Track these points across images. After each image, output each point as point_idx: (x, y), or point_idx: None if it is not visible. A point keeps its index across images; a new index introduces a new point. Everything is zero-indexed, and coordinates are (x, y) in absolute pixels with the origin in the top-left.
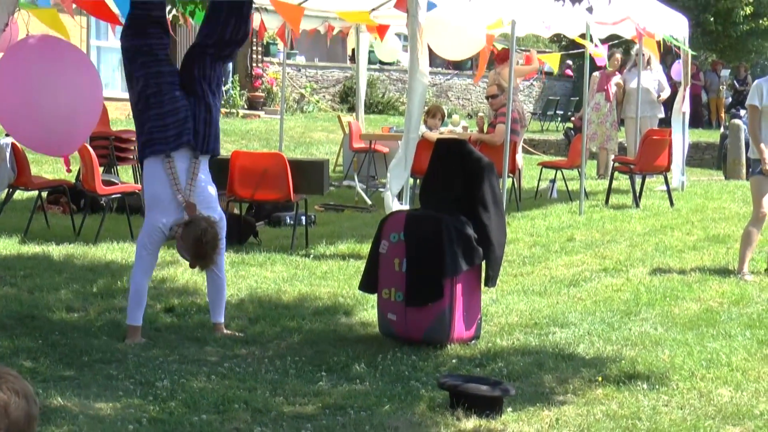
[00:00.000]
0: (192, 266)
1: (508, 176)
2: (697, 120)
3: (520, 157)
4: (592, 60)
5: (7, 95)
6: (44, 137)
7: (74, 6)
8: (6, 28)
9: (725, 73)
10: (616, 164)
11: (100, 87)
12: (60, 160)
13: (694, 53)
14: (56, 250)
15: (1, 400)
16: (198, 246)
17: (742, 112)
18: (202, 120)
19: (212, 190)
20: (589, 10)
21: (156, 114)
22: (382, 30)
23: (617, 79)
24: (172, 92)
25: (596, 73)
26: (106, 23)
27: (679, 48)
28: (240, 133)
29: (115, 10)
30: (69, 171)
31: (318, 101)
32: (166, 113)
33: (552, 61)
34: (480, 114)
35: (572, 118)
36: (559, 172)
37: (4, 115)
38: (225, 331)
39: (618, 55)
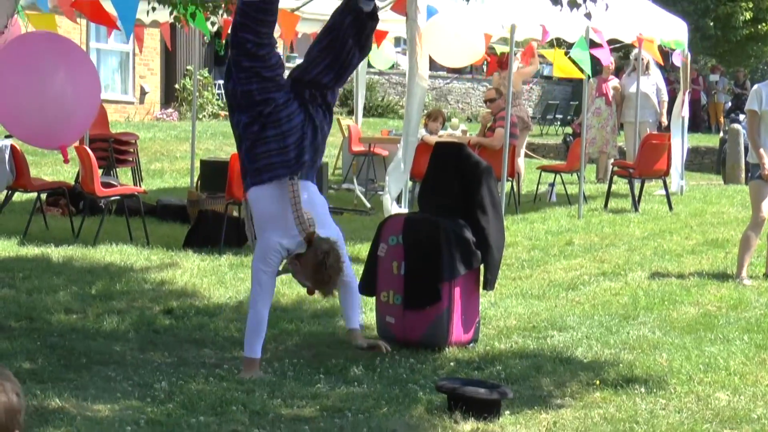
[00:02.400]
0: (311, 293)
1: (508, 180)
2: (696, 124)
3: (521, 161)
4: (593, 64)
5: (2, 86)
6: (42, 128)
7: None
8: (4, 30)
9: (715, 77)
10: (616, 168)
11: (96, 77)
12: (59, 161)
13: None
14: (55, 252)
15: None
16: (320, 272)
17: (742, 117)
18: (312, 138)
19: (323, 205)
20: (587, 15)
21: (274, 135)
22: (379, 36)
23: (614, 82)
24: (288, 110)
25: (592, 79)
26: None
27: (674, 49)
28: None
29: (113, 12)
30: (67, 162)
31: None
32: (286, 133)
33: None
34: (486, 111)
35: (572, 124)
36: (558, 176)
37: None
38: (361, 338)
39: (611, 59)
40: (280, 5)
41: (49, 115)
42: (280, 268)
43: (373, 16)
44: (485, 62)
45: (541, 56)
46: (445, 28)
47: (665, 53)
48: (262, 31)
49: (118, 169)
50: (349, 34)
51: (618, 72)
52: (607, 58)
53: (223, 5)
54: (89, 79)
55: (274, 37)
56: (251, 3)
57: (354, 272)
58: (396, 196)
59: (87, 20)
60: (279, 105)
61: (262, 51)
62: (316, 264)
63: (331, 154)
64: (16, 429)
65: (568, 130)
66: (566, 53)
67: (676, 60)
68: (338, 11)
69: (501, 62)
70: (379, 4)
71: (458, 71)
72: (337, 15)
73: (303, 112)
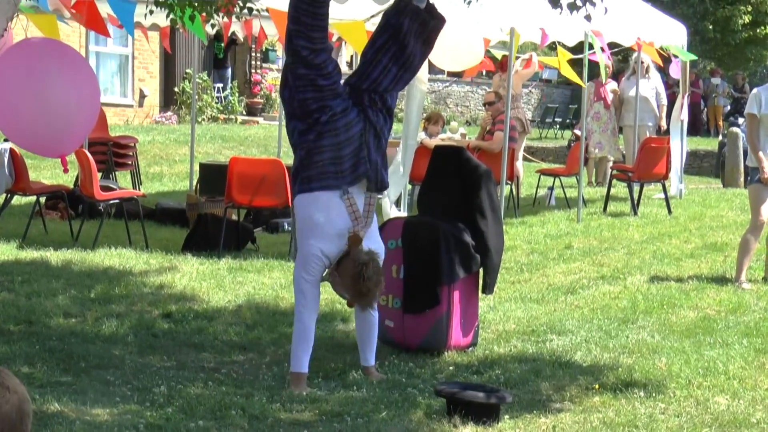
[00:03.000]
0: (350, 305)
1: (507, 183)
2: (696, 128)
3: (520, 164)
4: (591, 68)
5: (3, 95)
6: (41, 137)
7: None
8: (4, 33)
9: (714, 80)
10: (615, 172)
11: (97, 86)
12: (58, 164)
13: (694, 57)
14: (54, 256)
15: None
16: (358, 282)
17: (741, 120)
18: (373, 148)
19: (373, 220)
20: (587, 18)
21: (330, 145)
22: None
23: (612, 85)
24: (346, 118)
25: (589, 83)
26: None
27: (676, 56)
28: (238, 139)
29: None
30: (66, 171)
31: None
32: (343, 143)
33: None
34: (486, 114)
35: (574, 130)
36: (557, 180)
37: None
38: (376, 374)
39: (609, 62)
40: (281, 7)
41: (49, 124)
42: (324, 275)
43: (433, 14)
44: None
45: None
46: (445, 32)
47: (665, 57)
48: (315, 37)
49: (117, 173)
50: (410, 33)
51: (617, 75)
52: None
53: (221, 9)
54: (89, 88)
55: (330, 43)
56: (302, 8)
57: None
58: (395, 199)
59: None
60: (336, 113)
61: (318, 59)
62: (354, 274)
63: None
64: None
65: (568, 134)
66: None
67: (673, 72)
68: (392, 13)
69: (502, 64)
70: (379, 8)
71: (457, 74)
72: (392, 17)
73: (363, 120)
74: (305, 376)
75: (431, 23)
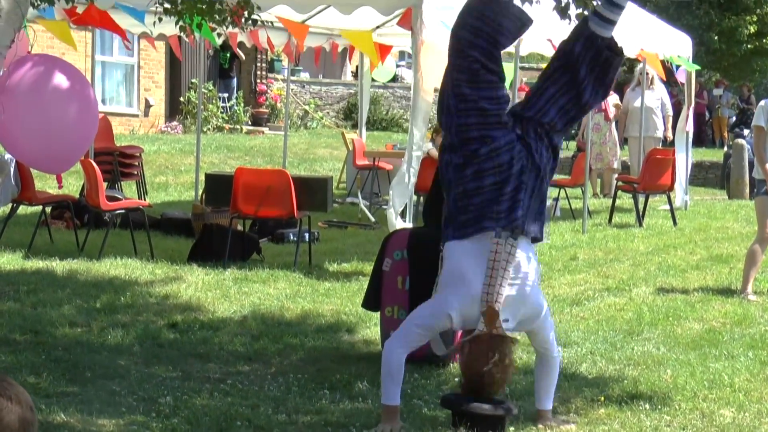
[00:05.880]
0: (450, 360)
1: None
2: (701, 139)
3: None
4: None
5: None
6: (39, 154)
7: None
8: (12, 45)
9: (718, 91)
10: (620, 183)
11: (95, 105)
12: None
13: (698, 67)
14: (60, 266)
15: None
16: (475, 380)
17: (746, 132)
18: (536, 188)
19: (533, 272)
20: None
21: (492, 184)
22: (384, 50)
23: (614, 99)
24: (509, 153)
25: None
26: (111, 37)
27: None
28: (244, 149)
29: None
30: (61, 188)
31: (322, 117)
32: (503, 183)
33: None
34: None
35: (577, 140)
36: (562, 191)
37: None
38: (549, 418)
39: None
40: (288, 16)
41: (46, 145)
42: (444, 348)
43: (610, 45)
44: None
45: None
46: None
47: (668, 69)
48: (494, 54)
49: (122, 183)
50: (581, 62)
51: (622, 86)
52: None
53: (229, 17)
54: (88, 111)
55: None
56: (488, 16)
57: (357, 286)
58: (400, 210)
59: (92, 32)
60: (500, 147)
61: (490, 76)
62: (475, 372)
63: (336, 167)
64: None
65: (573, 145)
66: None
67: (680, 76)
68: (567, 39)
69: None
70: (384, 18)
71: None
72: (566, 42)
73: (525, 158)
74: (398, 409)
75: (604, 53)
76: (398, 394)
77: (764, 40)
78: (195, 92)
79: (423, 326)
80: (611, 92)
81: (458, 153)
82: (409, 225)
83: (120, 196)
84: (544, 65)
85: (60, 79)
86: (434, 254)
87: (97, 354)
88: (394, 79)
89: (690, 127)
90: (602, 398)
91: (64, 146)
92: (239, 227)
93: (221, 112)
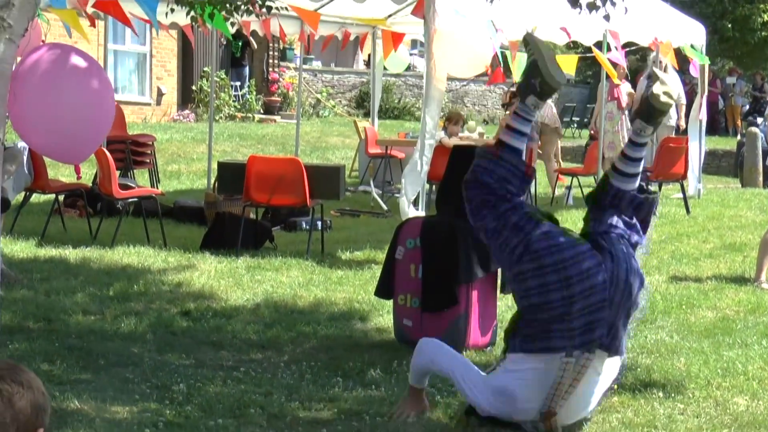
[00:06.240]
0: None
1: None
2: (714, 127)
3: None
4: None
5: (20, 102)
6: (55, 144)
7: (93, 10)
8: (26, 33)
9: (732, 79)
10: None
11: (111, 96)
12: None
13: (708, 60)
14: (73, 254)
15: (5, 391)
16: None
17: (759, 120)
18: (622, 303)
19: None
20: (606, 18)
21: (561, 299)
22: (397, 38)
23: (627, 87)
24: (585, 264)
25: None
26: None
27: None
28: (256, 137)
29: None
30: (79, 178)
31: (334, 106)
32: (574, 298)
33: (568, 65)
34: (507, 114)
35: (591, 130)
36: (575, 179)
37: (17, 120)
38: None
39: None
40: (300, 4)
41: (63, 135)
42: None
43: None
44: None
45: None
46: (455, 39)
47: (682, 57)
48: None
49: (135, 171)
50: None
51: (635, 75)
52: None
53: (242, 5)
54: (105, 99)
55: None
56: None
57: (370, 274)
58: (412, 198)
59: (105, 21)
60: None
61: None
62: None
63: (348, 156)
64: (41, 427)
65: (586, 133)
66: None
67: (693, 71)
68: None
69: None
70: (397, 7)
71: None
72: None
73: (607, 269)
74: (423, 392)
75: (636, 200)
76: (426, 380)
77: None
78: (207, 81)
79: (467, 378)
80: (624, 81)
81: (520, 265)
82: (421, 213)
83: (133, 185)
84: (558, 52)
85: (76, 69)
86: (447, 242)
87: (111, 342)
88: (407, 68)
89: (703, 115)
90: (615, 386)
91: (81, 136)
92: (252, 215)
93: (233, 101)
